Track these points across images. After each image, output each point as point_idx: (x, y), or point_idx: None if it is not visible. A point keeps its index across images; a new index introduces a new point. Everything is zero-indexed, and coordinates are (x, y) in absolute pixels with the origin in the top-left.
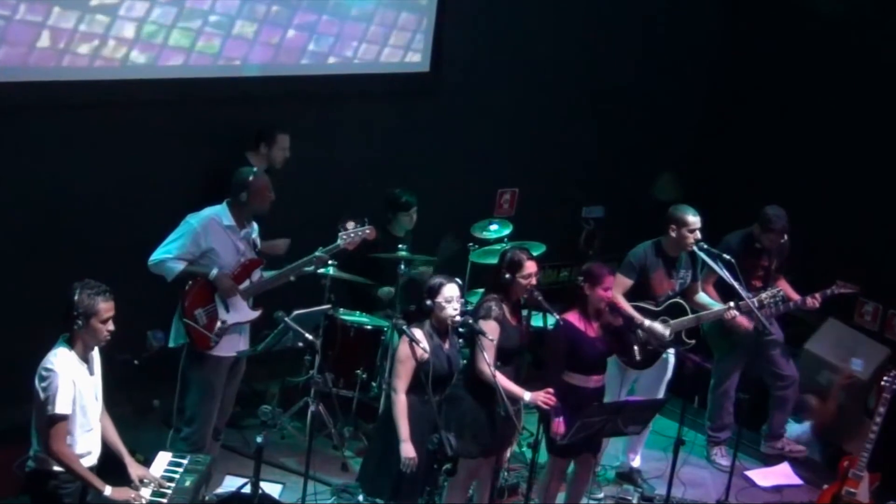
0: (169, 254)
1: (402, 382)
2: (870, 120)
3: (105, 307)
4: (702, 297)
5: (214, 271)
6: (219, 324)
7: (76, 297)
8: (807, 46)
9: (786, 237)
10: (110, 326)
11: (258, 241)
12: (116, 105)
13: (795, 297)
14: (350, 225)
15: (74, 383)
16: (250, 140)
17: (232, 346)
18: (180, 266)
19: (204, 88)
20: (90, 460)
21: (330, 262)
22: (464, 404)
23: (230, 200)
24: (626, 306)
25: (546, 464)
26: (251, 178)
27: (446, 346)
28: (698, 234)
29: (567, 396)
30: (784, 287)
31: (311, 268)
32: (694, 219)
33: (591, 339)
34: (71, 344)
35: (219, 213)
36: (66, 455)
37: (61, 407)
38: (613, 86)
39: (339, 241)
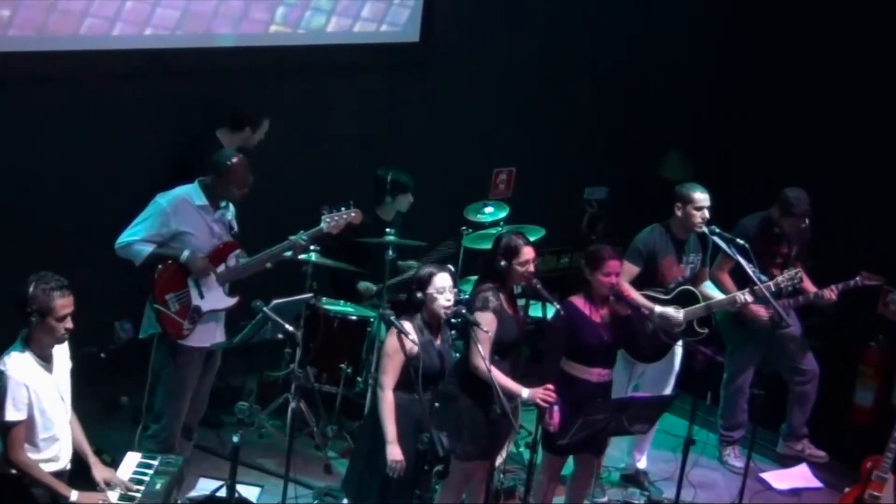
0: (136, 236)
1: (389, 378)
2: None
3: (61, 304)
4: (708, 285)
5: (186, 253)
6: (192, 310)
7: (30, 292)
8: (828, 14)
9: (807, 222)
10: (68, 324)
11: (235, 224)
12: (76, 78)
13: (812, 288)
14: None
15: (28, 386)
16: (224, 117)
17: (206, 337)
18: (149, 249)
19: (174, 60)
20: (56, 466)
21: (312, 247)
22: (459, 403)
23: (203, 179)
24: (634, 294)
25: (541, 463)
26: (230, 163)
27: (438, 341)
28: (706, 213)
29: (565, 388)
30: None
31: (290, 253)
32: (701, 196)
33: (595, 325)
34: (28, 342)
35: (190, 192)
36: (25, 462)
37: (12, 413)
38: (618, 57)
39: (322, 225)
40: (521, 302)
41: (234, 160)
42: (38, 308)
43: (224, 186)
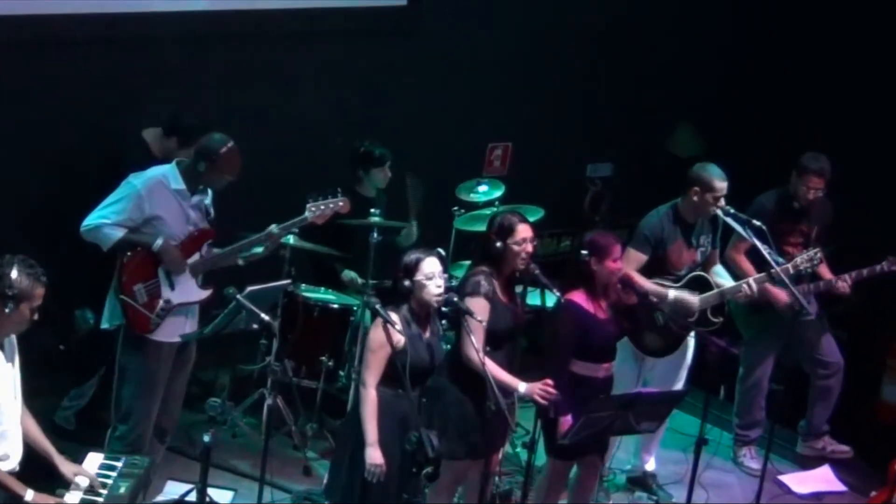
0: (106, 219)
1: (372, 375)
2: None
3: (40, 293)
4: (718, 270)
5: (159, 241)
6: (161, 303)
7: (14, 276)
8: None
9: (825, 187)
10: (36, 315)
11: (212, 210)
12: (31, 44)
13: (828, 275)
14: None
15: None
16: (197, 86)
17: (176, 331)
18: (119, 233)
19: (137, 25)
20: (7, 465)
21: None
22: (447, 396)
23: (182, 161)
24: (644, 282)
25: (544, 467)
26: (223, 149)
27: (427, 334)
28: (722, 202)
29: (575, 389)
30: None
31: (262, 249)
32: (722, 184)
33: (602, 322)
34: None
35: (166, 174)
36: None
37: None
38: (622, 22)
39: (306, 214)
40: (517, 289)
41: (227, 147)
42: (18, 293)
43: (215, 175)
